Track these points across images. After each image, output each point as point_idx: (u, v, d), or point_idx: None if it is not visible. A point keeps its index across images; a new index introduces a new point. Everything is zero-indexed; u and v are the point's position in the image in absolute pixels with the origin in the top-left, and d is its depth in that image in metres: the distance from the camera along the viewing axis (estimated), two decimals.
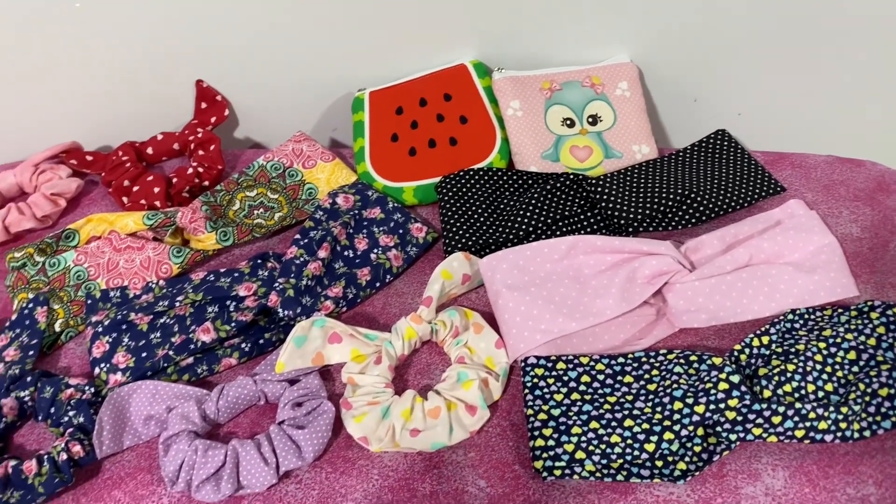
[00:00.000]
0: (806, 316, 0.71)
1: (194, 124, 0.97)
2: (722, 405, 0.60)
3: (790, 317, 0.70)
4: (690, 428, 0.61)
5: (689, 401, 0.62)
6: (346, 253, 0.80)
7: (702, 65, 0.93)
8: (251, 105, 1.02)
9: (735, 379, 0.62)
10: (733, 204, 0.81)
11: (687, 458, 0.62)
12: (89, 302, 0.78)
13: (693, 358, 0.67)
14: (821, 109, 0.96)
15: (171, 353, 0.71)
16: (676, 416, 0.61)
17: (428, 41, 0.94)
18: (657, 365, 0.68)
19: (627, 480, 0.61)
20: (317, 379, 0.69)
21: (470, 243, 0.79)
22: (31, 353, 0.73)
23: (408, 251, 0.81)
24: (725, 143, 0.89)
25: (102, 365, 0.72)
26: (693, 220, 0.81)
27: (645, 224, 0.80)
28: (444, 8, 0.91)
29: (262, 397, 0.69)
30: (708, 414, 0.60)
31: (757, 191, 0.83)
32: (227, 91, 1.00)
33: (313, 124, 1.04)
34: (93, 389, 0.69)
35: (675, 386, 0.64)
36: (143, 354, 0.71)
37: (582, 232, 0.81)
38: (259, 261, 0.79)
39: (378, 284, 0.79)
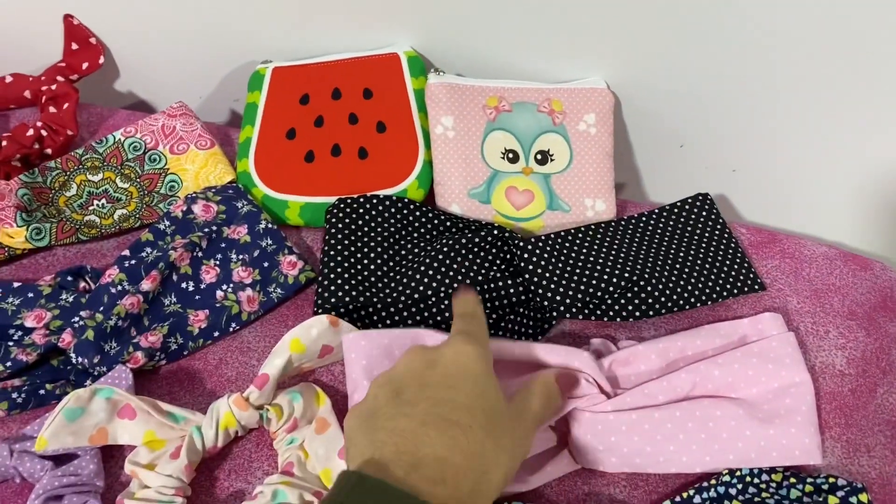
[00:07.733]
0: (748, 479, 0.54)
1: (60, 68, 0.77)
2: None
3: (726, 478, 0.54)
4: None
5: None
6: (183, 284, 0.62)
7: (696, 103, 0.73)
8: (135, 54, 0.82)
9: None
10: (693, 300, 0.64)
11: None
12: None
13: None
14: (833, 182, 0.76)
15: None
16: None
17: (357, 13, 0.74)
18: None
19: None
20: (94, 462, 0.52)
21: (348, 299, 0.61)
22: None
23: (269, 292, 0.63)
24: (703, 214, 0.70)
25: None
26: (637, 314, 0.63)
27: (575, 310, 0.62)
28: None
29: (17, 475, 0.52)
30: None
31: (729, 286, 0.65)
32: (105, 34, 0.79)
33: (213, 88, 0.84)
34: None
35: None
36: None
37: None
38: (70, 277, 0.61)
39: (217, 334, 0.61)
